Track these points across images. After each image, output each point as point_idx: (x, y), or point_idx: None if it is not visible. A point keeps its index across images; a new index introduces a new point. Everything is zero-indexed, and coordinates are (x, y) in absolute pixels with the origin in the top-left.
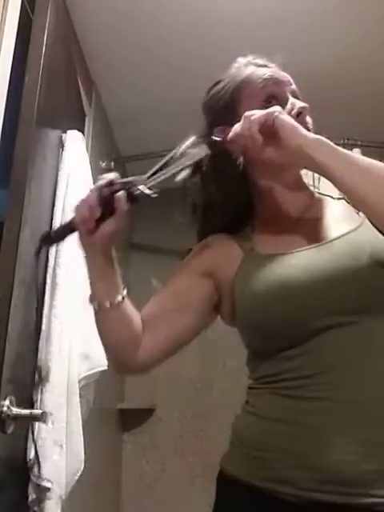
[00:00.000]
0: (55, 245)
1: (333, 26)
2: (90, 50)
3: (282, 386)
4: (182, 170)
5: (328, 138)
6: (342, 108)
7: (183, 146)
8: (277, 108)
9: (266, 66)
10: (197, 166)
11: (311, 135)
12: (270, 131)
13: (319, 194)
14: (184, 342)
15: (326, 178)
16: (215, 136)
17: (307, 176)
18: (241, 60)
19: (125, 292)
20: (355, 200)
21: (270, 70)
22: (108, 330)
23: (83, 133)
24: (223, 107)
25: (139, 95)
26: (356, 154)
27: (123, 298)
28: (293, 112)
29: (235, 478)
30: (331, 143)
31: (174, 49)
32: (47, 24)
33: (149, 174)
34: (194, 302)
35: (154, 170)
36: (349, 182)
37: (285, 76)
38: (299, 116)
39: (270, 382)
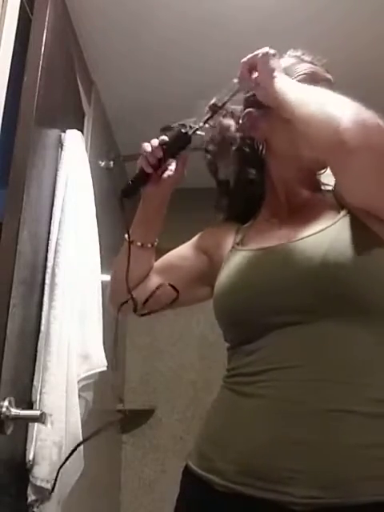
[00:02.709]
0: (134, 196)
1: (324, 23)
2: (89, 49)
3: (235, 382)
4: (225, 104)
5: None
6: None
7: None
8: (264, 49)
9: (311, 62)
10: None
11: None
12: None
13: (325, 189)
14: (165, 302)
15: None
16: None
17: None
18: (290, 52)
19: (155, 243)
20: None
21: (312, 67)
22: (126, 260)
23: (82, 132)
24: None
25: (139, 94)
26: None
27: (152, 245)
28: None
29: (189, 467)
30: (291, 80)
31: (175, 47)
32: (46, 23)
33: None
34: (182, 271)
35: (206, 118)
36: (297, 114)
37: (326, 77)
38: None
39: (229, 377)
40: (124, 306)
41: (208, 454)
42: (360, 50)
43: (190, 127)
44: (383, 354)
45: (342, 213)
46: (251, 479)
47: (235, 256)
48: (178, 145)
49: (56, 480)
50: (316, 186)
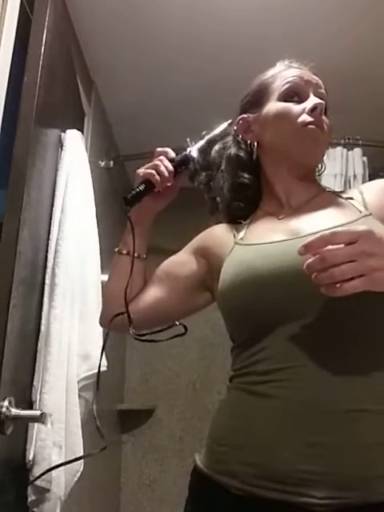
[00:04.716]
0: (135, 205)
1: (334, 25)
2: (89, 49)
3: (246, 381)
4: (210, 140)
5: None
6: (343, 107)
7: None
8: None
9: (299, 68)
10: (211, 145)
11: None
12: None
13: (329, 190)
14: (164, 313)
15: None
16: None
17: (335, 182)
18: (279, 63)
19: (145, 255)
20: None
21: (300, 71)
22: (122, 273)
23: (82, 132)
24: (250, 99)
25: (138, 94)
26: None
27: (146, 257)
28: (307, 109)
29: (200, 470)
30: None
31: (173, 48)
32: (46, 23)
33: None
34: (181, 277)
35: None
36: None
37: (314, 78)
38: (313, 111)
39: (236, 376)
40: (120, 323)
41: (221, 456)
42: (372, 50)
43: (191, 152)
44: None
45: (364, 212)
46: (270, 482)
47: (239, 250)
48: (183, 164)
49: (51, 478)
50: (312, 176)
